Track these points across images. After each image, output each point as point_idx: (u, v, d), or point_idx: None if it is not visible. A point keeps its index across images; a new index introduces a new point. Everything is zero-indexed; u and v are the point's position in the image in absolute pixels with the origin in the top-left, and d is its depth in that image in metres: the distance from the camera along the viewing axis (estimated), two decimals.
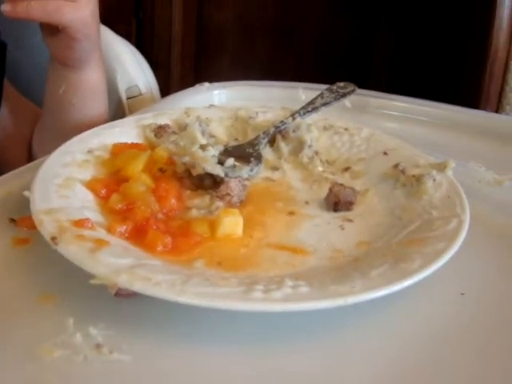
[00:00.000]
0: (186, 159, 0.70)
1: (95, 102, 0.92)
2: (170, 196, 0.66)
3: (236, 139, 0.83)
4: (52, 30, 0.80)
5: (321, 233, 0.65)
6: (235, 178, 0.70)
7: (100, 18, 0.86)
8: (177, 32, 2.40)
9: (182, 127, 0.80)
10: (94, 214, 0.62)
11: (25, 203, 0.61)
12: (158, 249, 0.58)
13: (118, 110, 1.16)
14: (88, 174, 0.68)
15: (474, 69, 1.85)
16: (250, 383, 0.49)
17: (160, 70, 1.41)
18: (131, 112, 1.13)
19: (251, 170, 0.74)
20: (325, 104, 0.86)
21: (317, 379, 0.49)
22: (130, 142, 0.76)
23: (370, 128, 0.83)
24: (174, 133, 0.78)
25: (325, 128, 0.83)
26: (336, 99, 0.88)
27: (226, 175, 0.70)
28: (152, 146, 0.76)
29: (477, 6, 1.86)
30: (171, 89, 1.12)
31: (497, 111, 1.80)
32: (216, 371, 0.49)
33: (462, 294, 0.60)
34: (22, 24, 1.09)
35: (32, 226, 0.59)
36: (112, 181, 0.68)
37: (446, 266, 0.56)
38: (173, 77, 2.43)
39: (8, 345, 0.50)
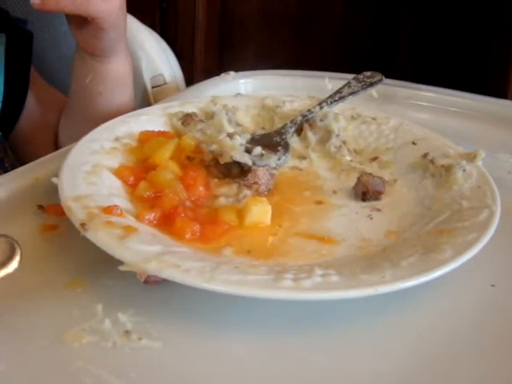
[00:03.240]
0: (214, 147, 0.70)
1: (122, 91, 0.92)
2: (198, 184, 0.66)
3: (263, 128, 0.83)
4: (80, 20, 0.80)
5: (349, 222, 0.65)
6: (263, 166, 0.70)
7: None
8: (201, 22, 2.40)
9: (209, 116, 0.79)
10: (122, 201, 0.62)
11: (53, 190, 0.62)
12: (187, 236, 0.58)
13: (143, 99, 1.16)
14: (116, 161, 0.68)
15: (501, 59, 1.83)
16: (275, 371, 0.48)
17: (184, 61, 1.40)
18: (156, 101, 1.13)
19: (279, 159, 0.74)
20: (352, 93, 0.86)
21: (333, 371, 0.49)
22: (156, 130, 0.76)
23: (397, 118, 0.82)
24: (200, 121, 0.77)
25: (352, 117, 0.82)
26: (363, 88, 0.87)
27: (254, 164, 0.70)
28: (179, 134, 0.75)
29: None
30: (195, 79, 1.12)
31: None
32: (244, 358, 0.49)
33: (493, 285, 0.59)
34: (48, 14, 1.09)
35: (60, 213, 0.60)
36: (140, 168, 0.68)
37: (476, 257, 0.55)
38: (197, 67, 2.43)
39: (36, 330, 0.50)
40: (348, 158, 0.76)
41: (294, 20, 2.40)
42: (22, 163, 0.73)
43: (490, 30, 1.92)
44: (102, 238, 0.53)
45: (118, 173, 0.66)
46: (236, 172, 0.70)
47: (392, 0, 2.28)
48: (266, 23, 2.41)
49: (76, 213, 0.56)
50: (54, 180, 0.63)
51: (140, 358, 0.48)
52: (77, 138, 0.71)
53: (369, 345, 0.51)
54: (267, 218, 0.62)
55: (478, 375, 0.49)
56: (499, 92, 1.78)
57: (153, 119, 0.79)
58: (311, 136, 0.79)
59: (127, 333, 0.50)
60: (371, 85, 0.88)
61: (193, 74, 2.33)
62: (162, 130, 0.77)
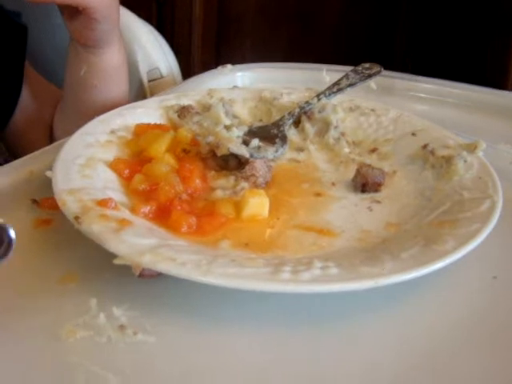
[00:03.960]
0: (211, 139, 0.69)
1: (117, 83, 0.91)
2: (195, 176, 0.65)
3: (260, 120, 0.82)
4: (72, 11, 0.80)
5: (348, 214, 0.64)
6: (260, 158, 0.69)
7: (120, 2, 0.85)
8: (197, 16, 2.39)
9: (206, 108, 0.78)
10: (117, 194, 0.61)
11: (47, 184, 0.61)
12: (183, 229, 0.57)
13: (139, 93, 1.15)
14: (111, 154, 0.68)
15: (500, 50, 1.82)
16: (273, 365, 0.48)
17: (181, 55, 1.39)
18: (152, 95, 1.12)
19: (276, 151, 0.73)
20: (350, 85, 0.84)
21: (333, 364, 0.48)
22: (152, 122, 0.75)
23: (397, 109, 0.81)
24: (197, 113, 0.76)
25: (351, 109, 0.81)
26: (361, 80, 0.86)
27: (251, 156, 0.69)
28: (175, 127, 0.75)
29: None
30: (192, 73, 1.11)
31: None
32: (240, 352, 0.48)
33: (495, 277, 0.58)
34: (43, 7, 1.08)
35: (54, 207, 0.59)
36: (135, 161, 0.67)
37: (477, 248, 0.55)
38: (194, 61, 2.42)
39: (31, 326, 0.50)
40: (347, 149, 0.75)
41: (292, 14, 2.39)
42: (17, 158, 0.72)
43: (488, 21, 1.91)
44: (96, 231, 0.52)
45: (113, 166, 0.65)
46: (233, 164, 0.69)
47: None
48: (263, 17, 2.40)
49: (70, 206, 0.55)
50: (49, 173, 0.62)
51: (135, 353, 0.47)
52: (72, 131, 0.70)
53: (369, 338, 0.51)
54: (265, 211, 0.62)
55: (480, 367, 0.48)
56: (498, 83, 1.77)
57: (149, 112, 0.78)
58: (309, 128, 0.78)
59: (122, 327, 0.49)
60: (370, 76, 0.87)
61: (190, 68, 2.32)
62: (158, 122, 0.76)
